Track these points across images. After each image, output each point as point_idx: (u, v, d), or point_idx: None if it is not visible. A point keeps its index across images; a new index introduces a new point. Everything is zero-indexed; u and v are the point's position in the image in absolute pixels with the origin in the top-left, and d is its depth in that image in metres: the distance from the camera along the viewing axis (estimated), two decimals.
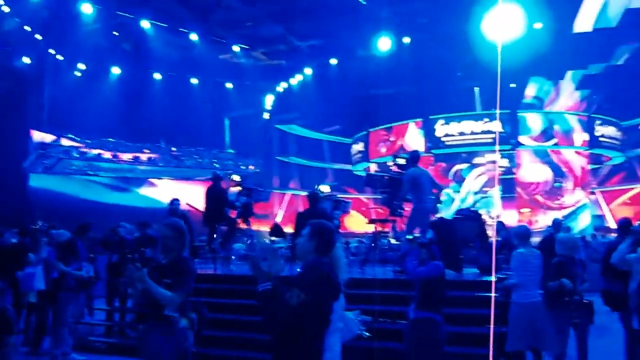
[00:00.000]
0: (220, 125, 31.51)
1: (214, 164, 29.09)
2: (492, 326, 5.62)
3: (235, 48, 27.60)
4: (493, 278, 7.16)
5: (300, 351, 3.11)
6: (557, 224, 9.17)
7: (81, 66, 25.66)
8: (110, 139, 27.18)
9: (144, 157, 27.96)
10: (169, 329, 3.98)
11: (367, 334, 4.19)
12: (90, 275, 7.86)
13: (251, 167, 30.53)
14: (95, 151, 26.65)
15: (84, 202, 23.92)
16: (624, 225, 7.14)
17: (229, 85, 30.25)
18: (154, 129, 27.02)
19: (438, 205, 9.48)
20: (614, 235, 19.91)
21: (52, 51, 24.38)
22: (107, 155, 26.90)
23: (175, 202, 10.13)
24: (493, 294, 6.23)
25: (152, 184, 28.43)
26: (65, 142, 26.19)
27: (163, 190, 27.56)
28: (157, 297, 3.89)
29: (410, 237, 5.57)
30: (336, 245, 3.30)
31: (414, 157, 9.17)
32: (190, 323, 4.08)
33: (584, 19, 23.86)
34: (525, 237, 6.49)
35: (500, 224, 11.86)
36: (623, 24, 23.87)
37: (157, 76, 27.83)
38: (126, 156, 27.39)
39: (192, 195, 22.38)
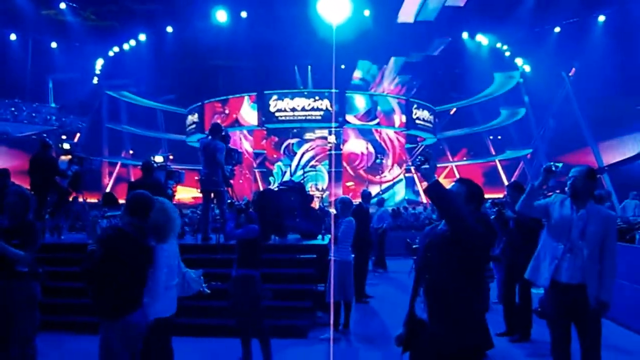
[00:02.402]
0: (44, 87, 29.22)
1: (35, 119, 26.90)
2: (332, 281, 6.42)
3: (62, 5, 25.83)
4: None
5: (112, 302, 3.58)
6: (365, 195, 10.44)
7: None
8: None
9: None
10: (20, 282, 4.52)
11: (208, 290, 4.80)
12: None
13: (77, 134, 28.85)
14: None
15: None
16: None
17: (53, 44, 28.20)
18: None
19: (270, 178, 9.92)
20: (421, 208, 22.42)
21: None
22: None
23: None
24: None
25: None
26: None
27: None
28: (9, 256, 4.40)
29: (229, 201, 6.12)
30: (162, 210, 3.88)
31: (211, 129, 9.32)
32: (37, 276, 4.64)
33: (407, 11, 25.99)
34: (350, 207, 7.61)
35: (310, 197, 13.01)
36: (440, 19, 26.48)
37: None
38: None
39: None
